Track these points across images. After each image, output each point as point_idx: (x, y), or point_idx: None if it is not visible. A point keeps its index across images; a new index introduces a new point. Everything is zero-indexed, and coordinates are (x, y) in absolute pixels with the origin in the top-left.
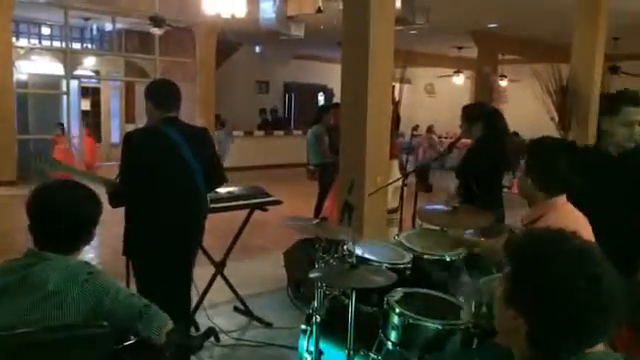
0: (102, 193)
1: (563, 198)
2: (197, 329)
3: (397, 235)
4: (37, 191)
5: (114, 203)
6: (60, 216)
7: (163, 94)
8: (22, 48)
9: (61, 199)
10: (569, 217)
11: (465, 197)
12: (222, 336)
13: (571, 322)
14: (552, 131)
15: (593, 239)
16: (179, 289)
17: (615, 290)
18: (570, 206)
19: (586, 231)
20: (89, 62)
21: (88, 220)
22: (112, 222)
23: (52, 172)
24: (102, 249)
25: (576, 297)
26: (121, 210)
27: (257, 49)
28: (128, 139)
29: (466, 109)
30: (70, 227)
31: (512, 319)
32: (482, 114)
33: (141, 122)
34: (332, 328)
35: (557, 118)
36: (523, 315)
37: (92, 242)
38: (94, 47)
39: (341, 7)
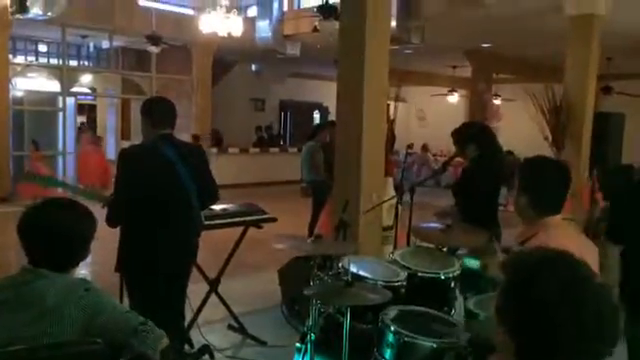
0: (97, 209)
1: (557, 217)
2: (191, 346)
3: (392, 253)
4: (29, 210)
5: (112, 222)
6: (54, 235)
7: (159, 112)
8: (19, 65)
9: (54, 218)
10: (562, 237)
11: (462, 216)
12: (216, 354)
13: (550, 346)
14: (546, 150)
15: (594, 261)
16: (173, 306)
17: (605, 318)
18: (566, 226)
19: (584, 254)
20: (86, 79)
21: (82, 238)
22: (106, 238)
23: (44, 187)
24: (96, 265)
25: (555, 322)
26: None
27: (253, 67)
28: (123, 156)
29: (455, 134)
30: (64, 246)
31: (502, 335)
32: (472, 135)
33: (137, 139)
34: (327, 346)
35: (551, 137)
36: (508, 332)
37: (87, 258)
38: (91, 64)
39: (337, 26)
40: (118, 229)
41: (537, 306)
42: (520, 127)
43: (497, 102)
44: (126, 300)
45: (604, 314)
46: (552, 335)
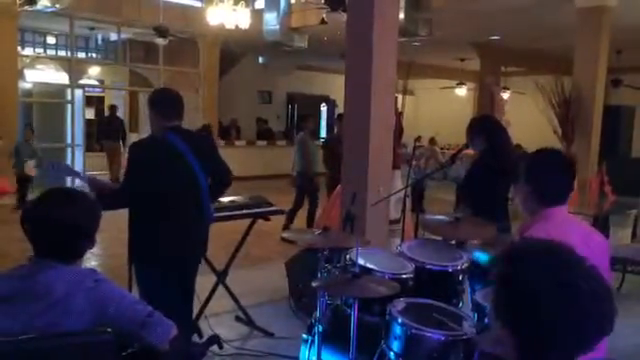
0: None
1: (560, 209)
2: (200, 336)
3: (400, 245)
4: (32, 203)
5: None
6: (57, 228)
7: (166, 103)
8: (27, 57)
9: (57, 211)
10: (563, 226)
11: (469, 208)
12: (224, 345)
13: (551, 334)
14: (555, 143)
15: (602, 251)
16: (182, 297)
17: (601, 297)
18: (567, 217)
19: (590, 244)
20: (94, 71)
21: (86, 229)
22: (115, 229)
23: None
24: (105, 257)
25: (551, 309)
26: (125, 217)
27: (260, 60)
28: (133, 150)
29: (470, 122)
30: (69, 238)
31: (500, 329)
32: (483, 127)
33: (145, 131)
34: (334, 338)
35: (560, 130)
36: (505, 324)
37: (95, 248)
38: (99, 56)
39: (345, 19)
40: (129, 222)
41: (528, 296)
42: (529, 120)
43: (505, 96)
44: (135, 290)
45: (599, 294)
46: (551, 322)
